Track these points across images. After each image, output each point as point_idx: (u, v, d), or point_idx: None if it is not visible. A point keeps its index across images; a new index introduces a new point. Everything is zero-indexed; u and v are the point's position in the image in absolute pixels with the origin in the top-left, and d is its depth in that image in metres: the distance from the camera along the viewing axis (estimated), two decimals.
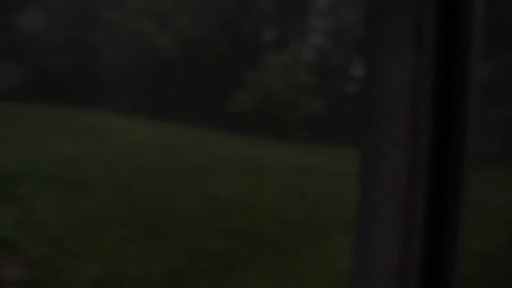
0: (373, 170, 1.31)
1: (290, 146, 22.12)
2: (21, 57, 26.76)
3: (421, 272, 1.30)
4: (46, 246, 8.49)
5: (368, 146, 1.30)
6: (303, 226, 10.92)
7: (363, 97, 1.32)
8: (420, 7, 1.29)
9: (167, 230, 9.76)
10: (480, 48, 1.38)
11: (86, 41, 28.24)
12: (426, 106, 1.29)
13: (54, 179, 11.50)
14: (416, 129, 1.25)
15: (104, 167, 13.20)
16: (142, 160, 14.62)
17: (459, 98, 1.32)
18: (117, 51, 28.58)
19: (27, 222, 9.24)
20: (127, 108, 26.32)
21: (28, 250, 8.29)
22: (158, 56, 28.29)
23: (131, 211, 10.42)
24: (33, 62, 27.27)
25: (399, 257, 1.27)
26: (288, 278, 8.58)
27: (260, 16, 31.07)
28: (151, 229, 9.74)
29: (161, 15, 28.28)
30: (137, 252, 8.76)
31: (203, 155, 16.25)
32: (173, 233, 9.69)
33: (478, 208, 9.42)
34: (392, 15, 1.30)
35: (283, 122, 26.41)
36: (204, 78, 29.49)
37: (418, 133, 1.25)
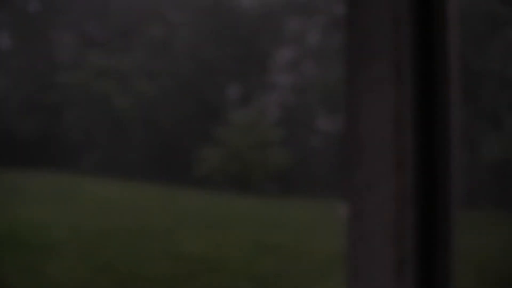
0: (362, 202, 1.29)
1: (257, 201, 22.08)
2: None
3: None
4: None
5: (356, 180, 1.29)
6: (274, 281, 10.83)
7: (347, 135, 1.33)
8: (398, 47, 1.30)
9: None
10: (457, 82, 1.39)
11: (47, 103, 28.13)
12: (409, 139, 1.29)
13: (19, 243, 11.31)
14: (401, 161, 1.25)
15: (70, 229, 13.02)
16: (108, 221, 14.45)
17: (441, 130, 1.33)
18: (79, 112, 28.52)
19: None
20: (92, 169, 26.11)
21: None
22: (120, 116, 28.28)
23: (97, 272, 10.25)
24: None
25: (393, 285, 1.25)
26: None
27: (221, 73, 31.31)
28: None
29: (121, 76, 28.34)
30: None
31: (170, 213, 16.13)
32: None
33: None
34: (372, 56, 1.33)
35: (250, 177, 26.40)
36: (168, 137, 29.49)
37: (404, 165, 1.24)
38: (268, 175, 26.67)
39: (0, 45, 30.74)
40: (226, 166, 26.25)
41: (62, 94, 28.34)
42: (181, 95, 29.80)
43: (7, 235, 11.63)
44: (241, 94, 30.93)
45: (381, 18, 1.30)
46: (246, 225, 15.22)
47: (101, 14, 29.88)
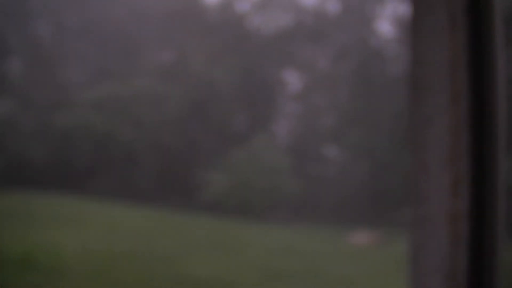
0: (422, 136, 1.55)
1: (266, 227, 22.12)
2: None
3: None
4: None
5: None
6: None
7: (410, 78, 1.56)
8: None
9: None
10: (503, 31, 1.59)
11: (56, 127, 28.34)
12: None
13: (29, 263, 11.41)
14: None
15: (81, 252, 13.12)
16: (118, 244, 14.54)
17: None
18: (88, 138, 28.67)
19: None
20: (100, 193, 26.23)
21: None
22: (126, 142, 28.41)
23: None
24: (8, 149, 27.24)
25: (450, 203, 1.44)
26: None
27: (231, 99, 31.46)
28: None
29: (128, 101, 28.49)
30: None
31: (180, 237, 16.21)
32: None
33: None
34: (429, 8, 1.58)
35: (257, 204, 26.44)
36: (175, 163, 29.60)
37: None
38: (275, 202, 26.71)
39: (11, 70, 31.04)
40: (234, 192, 26.30)
41: (70, 119, 28.50)
42: (189, 120, 29.96)
43: (19, 256, 11.74)
44: (250, 121, 31.07)
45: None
46: (253, 251, 15.28)
47: (110, 40, 30.17)
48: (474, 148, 1.49)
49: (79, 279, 11.00)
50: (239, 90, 31.31)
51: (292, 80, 32.89)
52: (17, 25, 29.77)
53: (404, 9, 29.39)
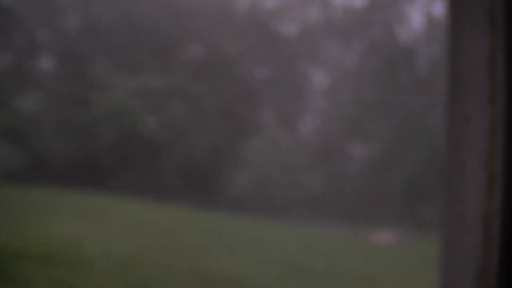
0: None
1: (289, 224, 22.12)
2: (21, 140, 26.94)
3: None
4: None
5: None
6: None
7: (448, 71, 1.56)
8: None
9: None
10: None
11: (81, 123, 28.47)
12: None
13: (52, 258, 11.49)
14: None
15: (103, 247, 13.19)
16: (141, 240, 14.61)
17: None
18: (113, 133, 28.77)
19: None
20: (125, 189, 26.36)
21: None
22: (152, 138, 28.48)
23: None
24: (33, 144, 27.45)
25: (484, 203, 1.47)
26: None
27: (257, 96, 31.47)
28: None
29: (152, 96, 28.54)
30: None
31: (203, 234, 16.25)
32: None
33: None
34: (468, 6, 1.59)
35: (281, 201, 26.46)
36: (202, 160, 29.66)
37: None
38: (297, 198, 26.71)
39: (40, 65, 31.25)
40: (256, 189, 26.33)
41: (96, 115, 28.62)
42: (217, 117, 30.00)
43: (41, 250, 11.83)
44: (277, 117, 31.02)
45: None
46: (277, 248, 15.29)
47: (139, 35, 30.23)
48: (510, 148, 1.48)
49: (102, 274, 11.06)
50: (267, 87, 31.31)
51: (320, 76, 32.84)
52: (47, 20, 29.98)
53: (435, 6, 29.17)
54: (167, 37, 30.12)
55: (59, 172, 27.52)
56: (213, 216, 21.19)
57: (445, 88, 1.57)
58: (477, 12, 1.53)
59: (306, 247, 15.90)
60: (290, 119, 30.58)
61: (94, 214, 17.52)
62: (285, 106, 31.05)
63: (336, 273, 13.10)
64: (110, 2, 30.79)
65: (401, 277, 13.81)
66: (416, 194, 25.99)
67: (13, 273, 10.25)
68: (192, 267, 12.28)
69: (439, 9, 28.38)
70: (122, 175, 29.05)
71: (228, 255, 13.80)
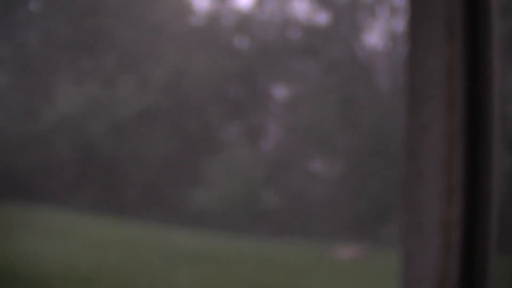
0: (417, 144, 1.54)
1: (249, 241, 22.07)
2: None
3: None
4: None
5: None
6: None
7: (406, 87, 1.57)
8: (449, 8, 1.58)
9: None
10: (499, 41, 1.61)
11: (40, 137, 28.13)
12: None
13: (15, 275, 11.34)
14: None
15: (65, 264, 13.05)
16: (102, 257, 14.48)
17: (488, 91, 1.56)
18: (71, 147, 28.45)
19: None
20: (85, 205, 26.06)
21: None
22: (110, 153, 28.21)
23: None
24: None
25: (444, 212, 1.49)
26: None
27: (215, 112, 31.40)
28: None
29: (109, 111, 28.31)
30: None
31: (164, 250, 16.14)
32: None
33: None
34: (426, 16, 1.60)
35: (241, 217, 26.39)
36: (161, 175, 29.47)
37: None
38: (257, 214, 26.67)
39: None
40: (217, 205, 26.25)
41: (54, 129, 28.32)
42: (171, 133, 29.87)
43: (3, 267, 11.65)
44: (237, 133, 31.01)
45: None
46: (238, 264, 15.24)
47: (103, 51, 30.05)
48: (468, 156, 1.51)
49: None
50: (228, 103, 31.29)
51: (281, 93, 32.91)
52: (4, 35, 29.64)
53: (395, 22, 29.45)
54: (132, 53, 30.02)
55: (21, 186, 27.16)
56: (172, 233, 21.07)
57: (404, 99, 1.60)
58: (436, 22, 1.56)
59: (267, 264, 15.87)
60: (251, 135, 30.59)
61: (56, 230, 17.33)
62: (246, 122, 31.06)
63: None
64: (71, 17, 30.59)
65: None
66: (378, 208, 26.14)
67: None
68: (155, 286, 12.21)
69: (401, 25, 28.67)
70: (79, 189, 28.75)
71: (187, 273, 13.73)
